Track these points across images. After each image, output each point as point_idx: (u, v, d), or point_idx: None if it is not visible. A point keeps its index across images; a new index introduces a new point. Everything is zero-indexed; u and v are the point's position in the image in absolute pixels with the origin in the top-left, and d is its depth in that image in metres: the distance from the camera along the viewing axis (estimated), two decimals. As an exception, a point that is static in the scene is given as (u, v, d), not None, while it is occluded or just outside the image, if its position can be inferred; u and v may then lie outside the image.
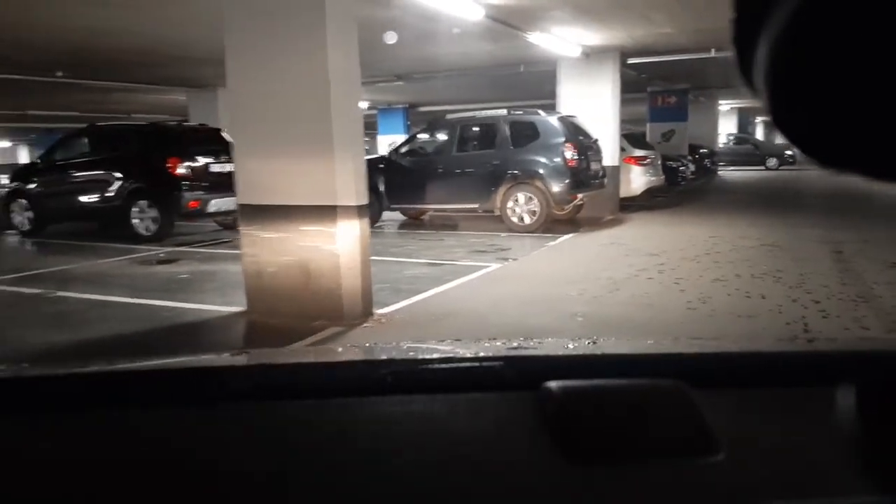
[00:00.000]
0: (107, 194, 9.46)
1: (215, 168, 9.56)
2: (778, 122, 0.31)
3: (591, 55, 10.43)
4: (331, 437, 0.66)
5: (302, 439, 0.66)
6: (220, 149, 9.63)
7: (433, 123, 10.94)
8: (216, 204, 9.37)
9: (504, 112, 9.71)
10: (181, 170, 9.19)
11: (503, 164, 9.36)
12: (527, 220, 9.29)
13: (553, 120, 9.41)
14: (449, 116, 10.45)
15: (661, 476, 0.63)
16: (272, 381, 0.78)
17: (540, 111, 9.59)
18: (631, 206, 11.64)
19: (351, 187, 4.60)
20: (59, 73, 10.76)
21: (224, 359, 1.03)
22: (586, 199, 9.55)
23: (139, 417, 0.67)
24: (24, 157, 31.60)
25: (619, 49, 10.46)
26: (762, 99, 0.31)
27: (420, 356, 0.98)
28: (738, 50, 0.32)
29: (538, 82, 12.18)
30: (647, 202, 12.29)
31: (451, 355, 0.95)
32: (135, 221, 9.32)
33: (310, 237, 4.66)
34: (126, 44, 8.87)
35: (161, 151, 9.27)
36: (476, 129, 10.03)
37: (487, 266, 6.91)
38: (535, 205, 9.23)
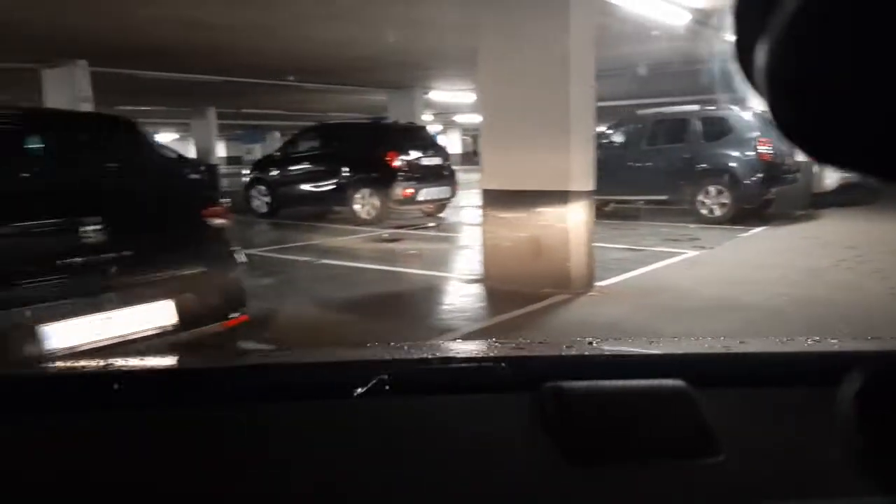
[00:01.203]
0: (334, 183, 11.02)
1: (425, 161, 10.83)
2: (778, 121, 0.31)
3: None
4: (330, 437, 0.66)
5: (301, 440, 0.66)
6: (429, 144, 10.88)
7: (625, 119, 11.47)
8: (426, 193, 10.65)
9: (696, 107, 10.10)
10: (398, 163, 10.52)
11: (694, 158, 9.77)
12: (717, 212, 9.64)
13: (747, 115, 9.66)
14: (640, 112, 10.98)
15: (662, 476, 0.63)
16: (272, 381, 0.78)
17: (733, 106, 9.86)
18: (823, 201, 11.47)
19: (582, 175, 5.42)
20: (291, 78, 12.56)
21: (224, 359, 1.02)
22: (778, 193, 9.71)
23: (139, 418, 0.67)
24: (220, 150, 35.18)
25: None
26: (763, 98, 0.31)
27: (420, 356, 0.98)
28: (738, 49, 0.32)
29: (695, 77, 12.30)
30: (839, 198, 12.00)
31: (451, 356, 0.95)
32: (356, 207, 10.79)
33: (543, 217, 5.53)
34: (349, 52, 10.29)
35: (381, 147, 10.66)
36: (667, 123, 10.48)
37: (684, 252, 7.45)
38: (726, 197, 9.56)
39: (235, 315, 3.39)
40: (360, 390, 0.70)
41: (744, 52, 0.31)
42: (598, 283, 5.79)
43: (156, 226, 3.18)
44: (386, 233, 9.74)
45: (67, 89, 9.88)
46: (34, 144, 3.11)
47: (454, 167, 11.86)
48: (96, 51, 9.32)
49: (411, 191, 10.53)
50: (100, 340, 2.80)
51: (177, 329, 3.05)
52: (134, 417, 0.66)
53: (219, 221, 3.44)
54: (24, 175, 2.99)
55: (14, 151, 3.01)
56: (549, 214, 5.50)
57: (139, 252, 3.01)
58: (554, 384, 0.69)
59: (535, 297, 5.35)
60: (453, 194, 11.48)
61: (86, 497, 0.58)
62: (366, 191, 10.69)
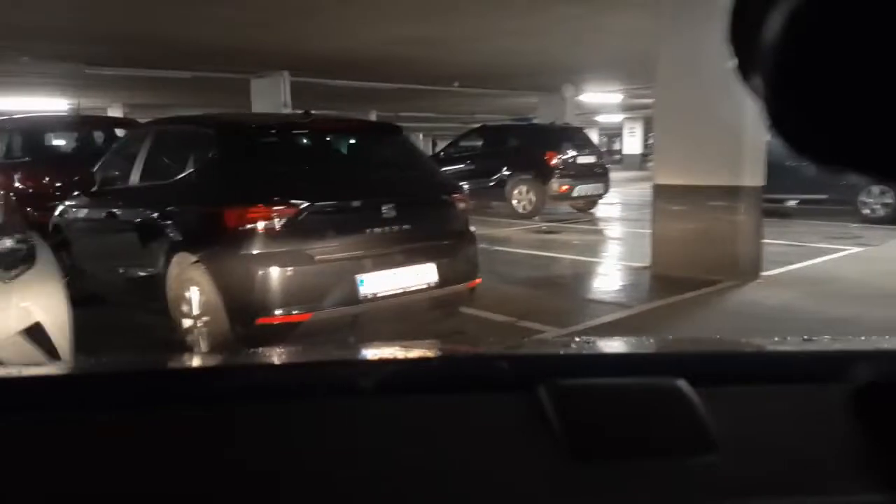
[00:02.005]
0: (493, 180, 11.93)
1: (580, 160, 11.52)
2: (776, 122, 0.31)
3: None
4: (328, 437, 0.66)
5: (299, 439, 0.65)
6: (584, 144, 11.55)
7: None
8: (580, 189, 11.35)
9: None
10: (555, 161, 11.27)
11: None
12: (880, 211, 9.63)
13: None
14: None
15: (660, 475, 0.63)
16: (271, 382, 0.78)
17: None
18: None
19: (753, 171, 5.92)
20: (456, 84, 13.62)
21: (224, 359, 1.00)
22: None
23: (138, 418, 0.66)
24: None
25: None
26: (760, 99, 0.31)
27: (418, 356, 0.97)
28: (736, 51, 0.32)
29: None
30: None
31: (449, 355, 0.94)
32: (514, 202, 11.65)
33: (714, 210, 6.06)
34: (516, 60, 11.13)
35: (539, 146, 11.46)
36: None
37: (847, 248, 7.66)
38: (890, 197, 9.52)
39: (474, 279, 4.30)
40: (359, 390, 0.71)
41: (742, 52, 0.32)
42: (763, 273, 6.25)
43: (424, 207, 4.14)
44: (544, 225, 10.52)
45: (271, 96, 11.45)
46: (347, 146, 4.17)
47: (608, 165, 12.46)
48: (297, 63, 10.77)
49: (567, 187, 11.24)
50: (390, 290, 3.77)
51: (437, 286, 3.99)
52: (132, 418, 0.66)
53: (462, 205, 4.36)
54: (344, 168, 4.04)
55: (334, 152, 4.07)
56: (719, 207, 6.03)
57: (414, 226, 3.96)
58: (552, 382, 0.69)
59: (704, 283, 5.91)
60: (606, 191, 12.08)
61: (83, 496, 0.58)
62: (523, 187, 11.51)
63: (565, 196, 11.41)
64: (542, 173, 11.26)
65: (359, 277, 3.64)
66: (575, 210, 12.16)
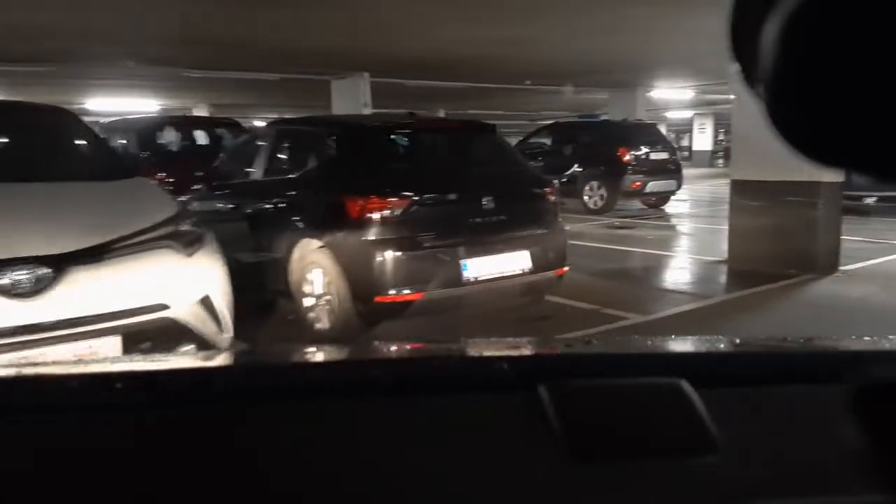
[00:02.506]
0: (565, 176, 12.17)
1: (653, 156, 11.65)
2: (776, 122, 0.31)
3: None
4: (329, 437, 0.66)
5: (300, 440, 0.65)
6: (657, 140, 11.68)
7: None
8: (652, 186, 11.50)
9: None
10: (627, 157, 11.45)
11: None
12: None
13: None
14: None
15: (660, 475, 0.63)
16: (272, 381, 0.78)
17: None
18: None
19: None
20: (528, 82, 13.90)
21: (223, 359, 1.00)
22: None
23: (138, 418, 0.66)
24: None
25: None
26: (761, 100, 0.31)
27: (419, 356, 0.98)
28: (735, 52, 0.32)
29: None
30: None
31: (449, 355, 0.95)
32: (585, 198, 11.87)
33: (792, 206, 6.21)
34: (592, 58, 11.33)
35: (611, 143, 11.65)
36: None
37: (928, 245, 7.63)
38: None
39: (562, 267, 4.64)
40: (360, 391, 0.71)
41: (742, 53, 0.32)
42: (841, 268, 6.35)
43: (518, 200, 4.50)
44: (616, 221, 10.72)
45: (351, 97, 12.00)
46: (448, 144, 4.58)
47: (681, 162, 12.54)
48: (377, 65, 11.27)
49: (639, 183, 11.40)
50: (490, 274, 4.15)
51: (530, 272, 4.34)
52: (131, 419, 0.65)
53: (552, 198, 4.70)
54: (447, 164, 4.45)
55: (438, 149, 4.48)
56: (798, 203, 6.17)
57: (510, 217, 4.33)
58: (553, 382, 0.69)
59: (782, 276, 6.06)
60: (678, 187, 12.16)
61: (82, 496, 0.58)
62: (594, 183, 11.73)
63: (637, 192, 11.57)
64: (614, 170, 11.45)
65: (463, 262, 4.03)
66: (646, 207, 12.29)
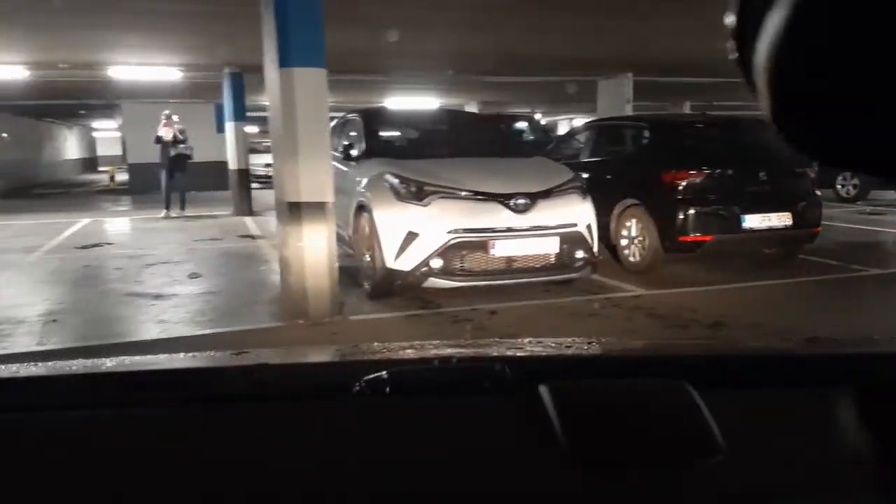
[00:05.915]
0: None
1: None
2: (777, 121, 0.31)
3: None
4: (330, 437, 0.66)
5: (301, 440, 0.66)
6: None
7: None
8: None
9: None
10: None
11: None
12: None
13: None
14: None
15: (661, 476, 0.63)
16: (271, 381, 0.78)
17: None
18: None
19: None
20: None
21: (223, 359, 1.06)
22: None
23: (137, 417, 0.67)
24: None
25: None
26: (761, 99, 0.31)
27: (419, 357, 0.99)
28: (737, 50, 0.32)
29: None
30: None
31: (450, 356, 0.94)
32: (838, 187, 12.59)
33: None
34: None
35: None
36: None
37: None
38: None
39: (817, 227, 6.19)
40: (359, 390, 0.71)
41: (744, 53, 0.31)
42: None
43: (784, 175, 6.14)
44: (868, 208, 11.41)
45: (615, 95, 13.82)
46: (731, 134, 6.39)
47: None
48: (639, 65, 12.97)
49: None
50: (760, 226, 5.85)
51: (791, 228, 5.96)
52: (131, 417, 0.66)
53: (811, 175, 6.26)
54: (731, 147, 6.25)
55: (724, 137, 6.33)
56: None
57: (778, 186, 6.03)
58: (553, 384, 0.69)
59: None
60: None
61: (82, 496, 0.58)
62: (847, 173, 12.37)
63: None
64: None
65: (741, 216, 5.80)
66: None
